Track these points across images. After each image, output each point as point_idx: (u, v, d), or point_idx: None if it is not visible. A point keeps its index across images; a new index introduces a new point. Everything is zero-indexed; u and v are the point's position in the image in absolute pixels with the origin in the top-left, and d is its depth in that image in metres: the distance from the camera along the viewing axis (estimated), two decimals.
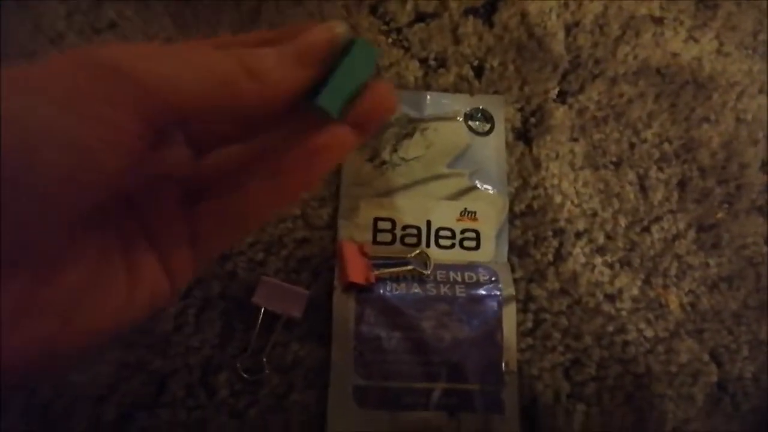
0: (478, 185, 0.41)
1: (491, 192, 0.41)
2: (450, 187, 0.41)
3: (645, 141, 0.44)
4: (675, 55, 0.47)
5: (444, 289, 0.38)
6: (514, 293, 0.38)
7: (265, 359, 0.37)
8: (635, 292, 0.40)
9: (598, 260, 0.41)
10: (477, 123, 0.43)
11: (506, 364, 0.36)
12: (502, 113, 0.44)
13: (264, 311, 0.37)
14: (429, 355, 0.36)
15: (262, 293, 0.37)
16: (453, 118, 0.43)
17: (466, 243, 0.40)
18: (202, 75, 0.18)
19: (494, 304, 0.38)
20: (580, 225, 0.42)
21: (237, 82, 0.19)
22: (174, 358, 0.37)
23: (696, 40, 0.48)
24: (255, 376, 0.36)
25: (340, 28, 0.22)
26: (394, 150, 0.42)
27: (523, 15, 0.46)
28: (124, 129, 0.17)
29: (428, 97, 0.43)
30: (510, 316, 0.38)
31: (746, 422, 0.39)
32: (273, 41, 0.21)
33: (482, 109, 0.44)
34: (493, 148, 0.43)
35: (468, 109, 0.43)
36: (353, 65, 0.22)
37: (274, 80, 0.20)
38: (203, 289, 0.38)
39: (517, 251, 0.41)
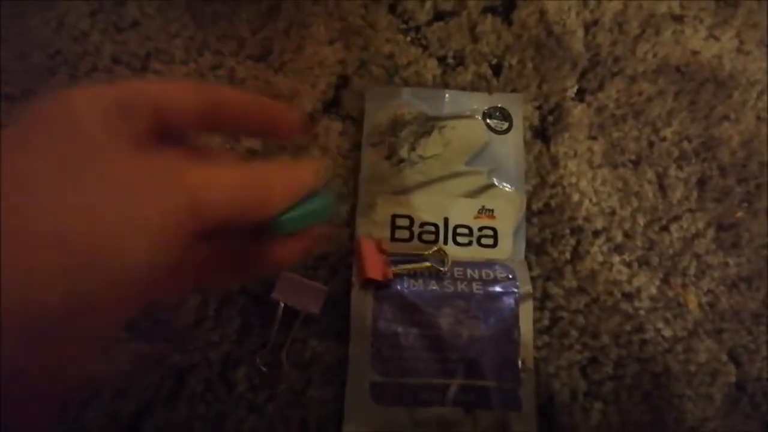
0: (496, 183, 0.41)
1: (509, 190, 0.41)
2: (468, 185, 0.41)
3: (664, 139, 0.44)
4: (695, 53, 0.47)
5: (461, 286, 0.38)
6: (531, 291, 0.38)
7: (284, 355, 0.37)
8: (653, 291, 0.40)
9: (616, 259, 0.41)
10: (495, 121, 0.43)
11: (523, 362, 0.37)
12: (521, 111, 0.44)
13: (283, 307, 0.37)
14: (446, 351, 0.36)
15: (282, 289, 0.37)
16: (471, 117, 0.43)
17: (484, 240, 0.40)
18: (238, 198, 0.22)
19: (511, 302, 0.38)
20: (598, 223, 0.42)
21: (256, 208, 0.23)
22: (193, 352, 0.37)
23: (716, 38, 0.47)
24: (274, 371, 0.37)
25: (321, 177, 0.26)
26: (412, 148, 0.42)
27: (542, 13, 0.46)
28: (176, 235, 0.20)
29: (447, 95, 0.43)
30: (527, 314, 0.38)
31: (765, 423, 0.38)
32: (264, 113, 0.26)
33: (500, 107, 0.44)
34: (511, 146, 0.43)
35: (486, 107, 0.43)
36: (318, 207, 0.26)
37: (274, 207, 0.24)
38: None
39: (535, 249, 0.41)
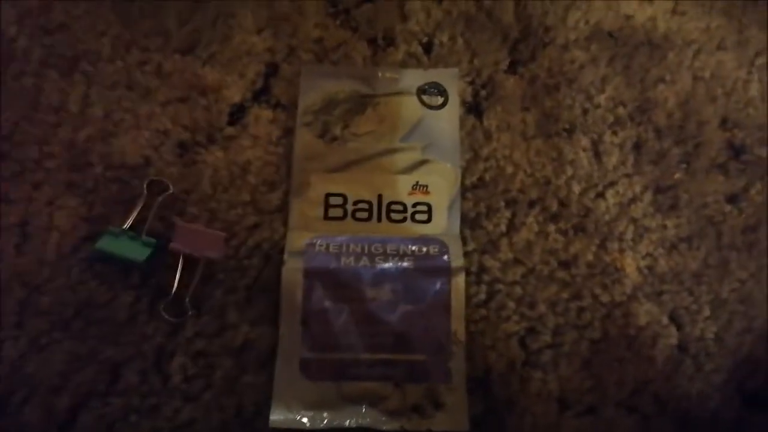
0: (431, 158, 0.41)
1: (444, 165, 0.41)
2: (402, 161, 0.41)
3: (598, 106, 0.44)
4: (628, 17, 0.46)
5: (394, 262, 0.37)
6: (463, 264, 0.38)
7: (188, 302, 0.37)
8: (590, 258, 0.40)
9: (552, 228, 0.41)
10: (430, 97, 0.43)
11: (454, 335, 0.36)
12: (456, 86, 0.44)
13: (183, 257, 0.38)
14: (376, 326, 0.36)
15: (180, 239, 0.38)
16: (406, 93, 0.43)
17: (418, 216, 0.40)
18: None
19: (443, 276, 0.37)
20: (533, 194, 0.41)
21: None
22: (127, 346, 0.37)
23: (650, 1, 0.47)
24: (180, 318, 0.37)
25: None
26: (346, 126, 0.42)
27: None
28: None
29: (380, 73, 0.43)
30: (459, 288, 0.37)
31: (709, 382, 0.38)
32: None
33: (435, 83, 0.43)
34: (446, 121, 0.42)
35: (421, 83, 0.43)
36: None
37: None
38: (159, 278, 0.39)
39: (470, 224, 0.41)
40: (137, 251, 0.38)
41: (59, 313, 0.37)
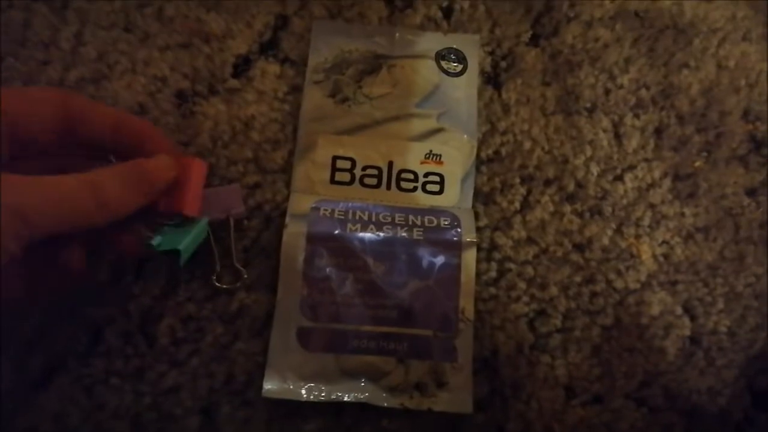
0: (446, 127, 0.39)
1: (459, 135, 0.39)
2: (416, 128, 0.39)
3: (621, 87, 0.42)
4: None
5: (402, 232, 0.35)
6: (475, 240, 0.36)
7: (236, 263, 0.35)
8: (605, 241, 0.38)
9: (568, 208, 0.39)
10: (449, 63, 0.41)
11: (462, 312, 0.34)
12: (476, 54, 0.41)
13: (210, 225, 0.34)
14: (380, 298, 0.34)
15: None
16: (423, 57, 0.40)
17: (429, 187, 0.38)
18: (65, 210, 0.25)
19: (454, 250, 0.35)
20: (550, 172, 0.40)
21: (90, 214, 0.26)
22: (110, 306, 0.34)
23: None
24: (233, 285, 0.35)
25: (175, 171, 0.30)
26: (358, 87, 0.39)
27: None
28: (5, 249, 0.22)
29: (398, 33, 0.41)
30: (469, 263, 0.35)
31: (720, 378, 0.37)
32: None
33: (455, 48, 0.41)
34: (464, 89, 0.40)
35: (440, 47, 0.41)
36: (199, 232, 0.32)
37: (118, 209, 0.27)
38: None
39: (483, 198, 0.39)
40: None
41: None
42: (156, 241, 0.30)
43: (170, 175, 0.30)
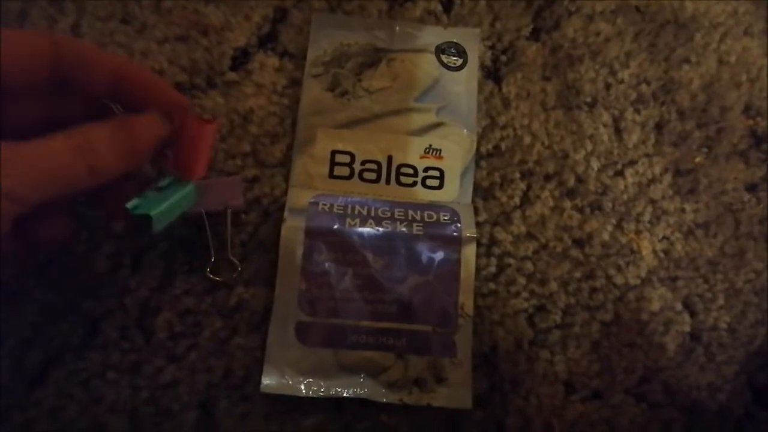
0: (446, 122, 0.39)
1: (459, 130, 0.39)
2: (415, 123, 0.38)
3: (622, 81, 0.42)
4: None
5: (401, 227, 0.35)
6: (475, 235, 0.36)
7: (230, 256, 0.35)
8: (606, 237, 0.38)
9: (568, 204, 0.39)
10: (449, 57, 0.40)
11: (462, 307, 0.34)
12: (477, 48, 0.41)
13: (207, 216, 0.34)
14: (379, 293, 0.34)
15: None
16: (423, 51, 0.40)
17: (429, 182, 0.37)
18: (55, 180, 0.23)
19: (453, 245, 0.35)
20: (550, 167, 0.39)
21: (80, 181, 0.24)
22: (108, 299, 0.34)
23: None
24: (227, 277, 0.35)
25: (166, 129, 0.28)
26: (358, 80, 0.39)
27: None
28: None
29: (398, 27, 0.41)
30: (469, 259, 0.35)
31: (720, 374, 0.37)
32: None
33: (455, 42, 0.41)
34: (464, 84, 0.40)
35: (440, 41, 0.41)
36: (184, 195, 0.30)
37: (109, 172, 0.25)
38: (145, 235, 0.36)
39: (483, 193, 0.39)
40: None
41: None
42: (132, 203, 0.28)
43: (162, 135, 0.28)
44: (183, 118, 0.29)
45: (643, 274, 0.38)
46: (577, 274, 0.37)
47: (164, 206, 0.28)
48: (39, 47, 0.26)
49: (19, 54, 0.25)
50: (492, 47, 0.42)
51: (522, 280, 0.37)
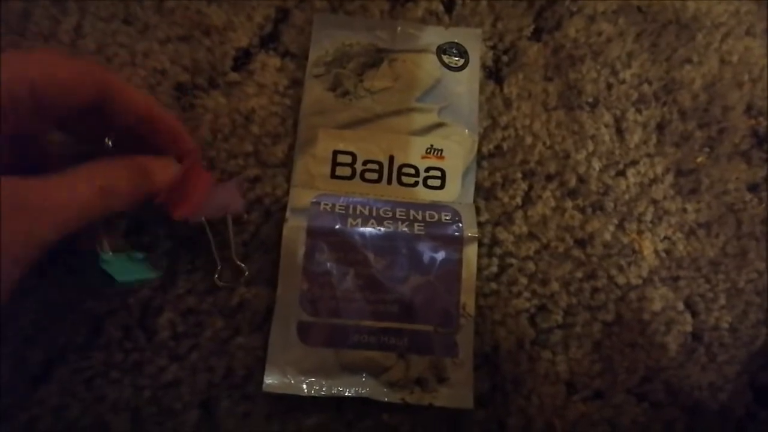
0: (447, 122, 0.39)
1: (460, 130, 0.39)
2: (417, 123, 0.38)
3: (623, 81, 0.42)
4: None
5: (403, 227, 0.35)
6: (476, 235, 0.36)
7: (236, 259, 0.35)
8: (607, 237, 0.38)
9: (569, 204, 0.39)
10: (450, 57, 0.40)
11: (463, 307, 0.34)
12: (478, 48, 0.41)
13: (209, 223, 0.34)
14: (381, 293, 0.34)
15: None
16: (425, 51, 0.40)
17: (431, 182, 0.37)
18: (76, 219, 0.24)
19: (455, 245, 0.35)
20: (552, 167, 0.39)
21: (95, 216, 0.25)
22: (111, 298, 0.34)
23: None
24: (235, 282, 0.35)
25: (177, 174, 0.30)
26: (359, 81, 0.39)
27: None
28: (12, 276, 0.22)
29: (399, 27, 0.41)
30: (470, 258, 0.35)
31: (722, 374, 0.37)
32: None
33: (456, 42, 0.41)
34: (465, 84, 0.40)
35: (441, 42, 0.41)
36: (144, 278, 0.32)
37: (118, 210, 0.27)
38: (148, 234, 0.36)
39: (484, 193, 0.39)
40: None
41: None
42: (107, 258, 0.29)
43: (172, 180, 0.29)
44: (190, 162, 0.30)
45: (644, 274, 0.38)
46: (579, 274, 0.37)
47: (129, 279, 0.31)
48: (92, 79, 0.26)
49: (73, 82, 0.25)
50: (493, 47, 0.42)
51: (523, 280, 0.37)
